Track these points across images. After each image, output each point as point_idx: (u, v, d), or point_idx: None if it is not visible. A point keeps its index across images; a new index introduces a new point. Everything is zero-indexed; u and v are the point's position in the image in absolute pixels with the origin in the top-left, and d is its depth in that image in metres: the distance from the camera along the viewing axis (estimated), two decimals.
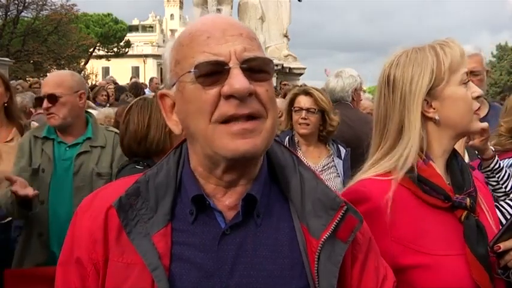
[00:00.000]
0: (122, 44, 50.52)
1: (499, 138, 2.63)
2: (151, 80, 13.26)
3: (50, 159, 2.87)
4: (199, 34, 1.03)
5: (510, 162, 2.48)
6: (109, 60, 47.24)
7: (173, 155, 1.13)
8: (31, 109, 5.95)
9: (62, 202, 2.81)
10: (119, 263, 1.03)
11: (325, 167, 3.36)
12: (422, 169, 1.42)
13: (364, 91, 7.19)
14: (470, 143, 2.19)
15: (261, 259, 1.04)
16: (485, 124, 1.67)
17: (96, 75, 39.92)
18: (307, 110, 3.33)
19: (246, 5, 15.15)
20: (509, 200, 2.18)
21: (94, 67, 42.72)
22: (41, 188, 2.79)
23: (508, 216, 2.02)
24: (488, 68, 3.47)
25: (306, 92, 3.39)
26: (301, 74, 15.81)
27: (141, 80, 18.74)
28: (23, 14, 29.19)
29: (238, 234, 1.05)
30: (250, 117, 0.99)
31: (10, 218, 3.21)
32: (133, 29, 74.46)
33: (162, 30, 79.93)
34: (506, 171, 2.26)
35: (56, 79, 2.96)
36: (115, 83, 11.68)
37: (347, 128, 3.66)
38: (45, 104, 2.83)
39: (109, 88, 9.67)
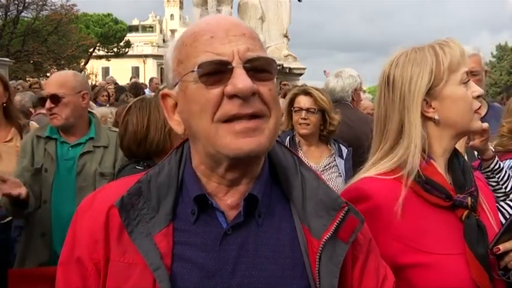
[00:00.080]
0: (121, 44, 50.51)
1: (500, 139, 2.61)
2: (151, 80, 13.27)
3: (53, 159, 2.88)
4: (203, 34, 1.03)
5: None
6: (109, 61, 47.24)
7: (175, 155, 1.14)
8: (30, 109, 5.96)
9: (64, 202, 2.80)
10: (120, 263, 1.04)
11: (327, 167, 3.35)
12: (423, 168, 1.42)
13: (364, 91, 7.19)
14: (471, 143, 2.19)
15: (263, 259, 1.05)
16: (485, 124, 1.68)
17: (96, 76, 39.91)
18: (307, 110, 3.32)
19: (246, 5, 15.14)
20: (510, 200, 2.18)
21: (94, 67, 42.71)
22: (43, 187, 2.80)
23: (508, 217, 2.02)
24: (487, 68, 3.47)
25: (306, 92, 3.38)
26: (301, 74, 15.79)
27: (141, 80, 18.73)
28: (23, 14, 29.23)
29: (239, 234, 1.05)
30: (253, 116, 0.99)
31: (10, 218, 3.21)
32: (133, 29, 74.45)
33: (162, 31, 79.91)
34: (506, 172, 2.26)
35: (58, 79, 2.97)
36: (115, 83, 11.68)
37: (347, 129, 3.66)
38: (48, 104, 2.83)
39: (109, 88, 9.68)
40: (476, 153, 2.33)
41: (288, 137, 3.44)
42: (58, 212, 2.82)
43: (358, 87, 4.08)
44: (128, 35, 55.76)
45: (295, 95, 3.44)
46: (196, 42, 1.03)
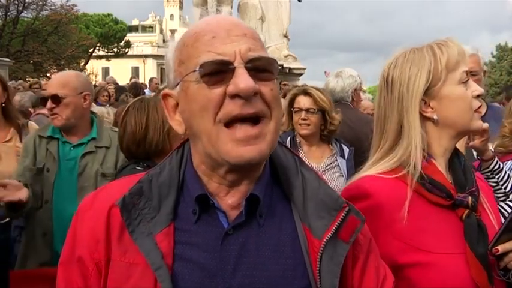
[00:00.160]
0: (121, 44, 50.48)
1: (502, 139, 2.60)
2: (151, 80, 13.26)
3: (55, 159, 2.88)
4: (204, 34, 1.03)
5: None
6: (109, 61, 47.23)
7: (176, 155, 1.14)
8: (30, 109, 5.95)
9: (65, 202, 2.80)
10: (121, 263, 1.04)
11: (328, 167, 3.34)
12: (424, 167, 1.42)
13: (364, 91, 7.19)
14: (470, 143, 2.19)
15: (264, 259, 1.05)
16: (485, 124, 1.67)
17: (96, 76, 39.87)
18: (307, 110, 3.31)
19: (246, 5, 15.13)
20: (510, 201, 2.19)
21: (94, 67, 42.71)
22: (45, 187, 2.80)
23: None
24: (486, 68, 3.47)
25: (305, 92, 3.37)
26: (301, 74, 15.78)
27: (141, 80, 18.72)
28: (22, 14, 29.23)
29: (241, 234, 1.05)
30: (254, 119, 1.00)
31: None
32: (133, 29, 74.39)
33: (162, 31, 79.84)
34: (505, 172, 2.26)
35: (60, 80, 2.97)
36: (115, 84, 11.68)
37: (347, 129, 3.65)
38: (49, 104, 2.84)
39: (109, 88, 9.68)
40: (475, 153, 2.33)
41: (289, 138, 3.42)
42: (59, 212, 2.82)
43: (358, 87, 4.08)
44: (128, 35, 55.73)
45: (295, 95, 3.43)
46: (198, 43, 1.03)
